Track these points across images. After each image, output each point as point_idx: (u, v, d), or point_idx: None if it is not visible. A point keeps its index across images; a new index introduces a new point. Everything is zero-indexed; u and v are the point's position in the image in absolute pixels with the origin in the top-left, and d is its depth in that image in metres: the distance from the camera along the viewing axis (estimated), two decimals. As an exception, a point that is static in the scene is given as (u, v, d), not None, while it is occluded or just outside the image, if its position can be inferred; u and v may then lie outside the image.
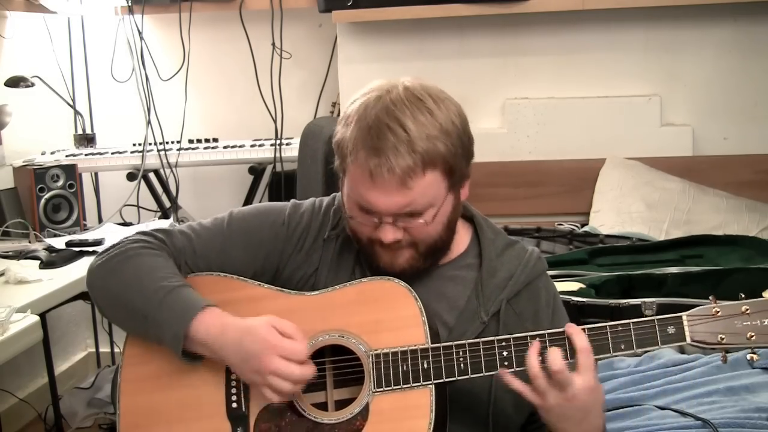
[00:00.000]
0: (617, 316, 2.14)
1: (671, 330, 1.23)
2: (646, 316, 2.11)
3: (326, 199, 1.49)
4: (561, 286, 2.21)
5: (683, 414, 1.82)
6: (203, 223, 1.46)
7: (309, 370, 1.27)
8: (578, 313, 2.14)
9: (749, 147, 3.13)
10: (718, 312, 1.23)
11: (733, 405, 1.84)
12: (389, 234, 1.30)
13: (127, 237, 1.42)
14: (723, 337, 1.22)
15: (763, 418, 1.77)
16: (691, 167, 3.08)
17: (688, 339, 1.23)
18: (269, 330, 1.27)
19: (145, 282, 1.33)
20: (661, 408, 1.87)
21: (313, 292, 1.37)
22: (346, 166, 1.32)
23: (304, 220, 1.44)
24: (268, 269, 1.42)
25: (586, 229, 2.92)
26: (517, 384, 1.24)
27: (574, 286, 2.28)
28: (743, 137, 3.15)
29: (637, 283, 2.33)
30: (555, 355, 1.22)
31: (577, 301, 2.18)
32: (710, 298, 1.25)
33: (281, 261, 1.42)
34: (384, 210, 1.29)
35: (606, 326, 1.25)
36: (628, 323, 1.25)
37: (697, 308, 1.25)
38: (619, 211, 2.95)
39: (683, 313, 1.24)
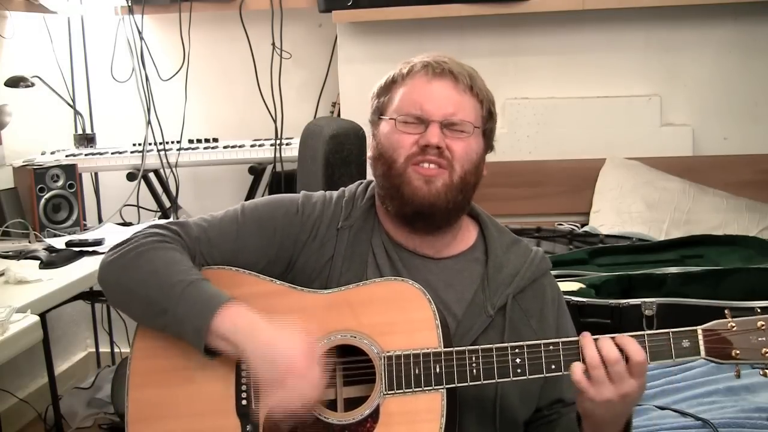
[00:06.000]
0: (617, 316, 2.14)
1: (686, 344, 1.23)
2: (647, 316, 2.13)
3: (336, 192, 1.50)
4: (561, 286, 2.19)
5: (683, 414, 1.82)
6: (215, 214, 1.46)
7: (318, 398, 1.27)
8: (578, 313, 2.14)
9: (749, 147, 3.13)
10: (734, 327, 1.22)
11: (733, 405, 1.85)
12: (435, 135, 1.35)
13: (139, 231, 1.42)
14: (738, 352, 1.21)
15: (763, 418, 1.77)
16: (691, 167, 3.08)
17: (702, 353, 1.22)
18: (303, 351, 1.26)
19: (163, 276, 1.32)
20: (661, 408, 1.87)
21: (326, 291, 1.37)
22: (393, 96, 1.41)
23: (317, 209, 1.45)
24: (282, 257, 1.42)
25: (586, 229, 2.92)
26: (578, 374, 1.22)
27: (574, 286, 2.28)
28: (743, 137, 3.15)
29: (637, 283, 2.32)
30: (610, 347, 1.21)
31: (577, 301, 2.18)
32: (726, 311, 1.24)
33: (295, 249, 1.42)
34: (437, 110, 1.36)
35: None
36: (643, 335, 1.24)
37: (712, 322, 1.23)
38: (619, 211, 2.95)
39: (698, 327, 1.23)
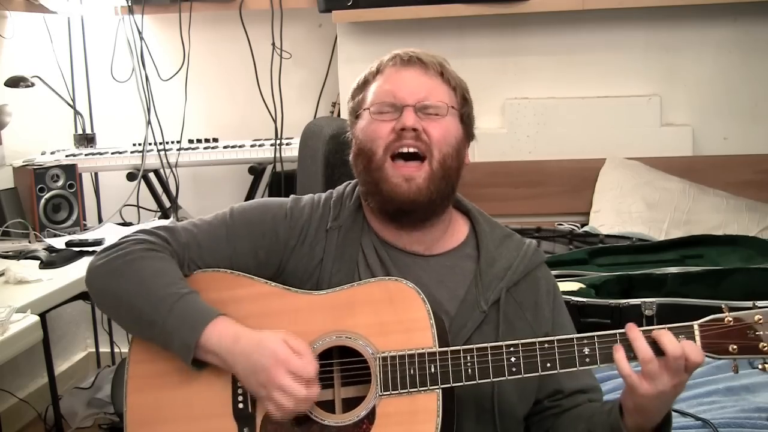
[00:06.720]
0: (617, 317, 2.14)
1: (683, 339, 1.21)
2: (647, 316, 2.14)
3: (324, 194, 1.50)
4: (561, 286, 2.20)
5: (683, 414, 1.82)
6: (205, 218, 1.46)
7: (314, 392, 1.27)
8: (578, 313, 2.14)
9: (749, 147, 3.13)
10: (731, 321, 1.21)
11: (733, 405, 1.85)
12: (410, 118, 1.36)
13: (128, 236, 1.41)
14: (735, 347, 1.21)
15: (763, 418, 1.77)
16: (691, 167, 3.08)
17: None
18: (281, 345, 1.27)
19: (152, 287, 1.32)
20: (662, 408, 1.86)
21: (321, 292, 1.36)
22: (366, 94, 1.42)
23: (306, 212, 1.45)
24: (272, 261, 1.42)
25: (586, 229, 2.92)
26: (627, 369, 1.21)
27: (574, 286, 2.29)
28: (743, 137, 3.15)
29: (637, 283, 2.33)
30: (673, 342, 1.20)
31: (577, 301, 2.18)
32: (722, 307, 1.24)
33: (285, 253, 1.42)
34: (410, 96, 1.37)
35: (616, 333, 1.24)
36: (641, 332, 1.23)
37: (709, 317, 1.23)
38: (619, 211, 2.95)
39: (695, 323, 1.22)
